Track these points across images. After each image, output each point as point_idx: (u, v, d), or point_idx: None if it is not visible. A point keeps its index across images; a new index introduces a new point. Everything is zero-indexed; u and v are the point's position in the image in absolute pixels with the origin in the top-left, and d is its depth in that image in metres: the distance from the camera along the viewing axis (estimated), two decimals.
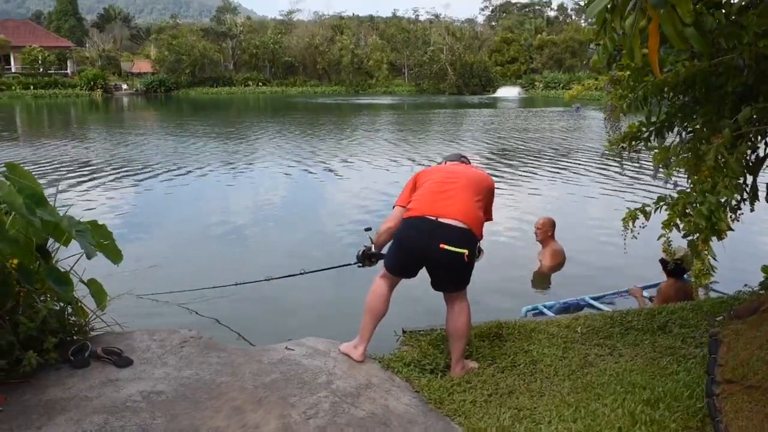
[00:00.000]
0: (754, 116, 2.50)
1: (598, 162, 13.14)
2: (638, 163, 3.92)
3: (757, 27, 2.11)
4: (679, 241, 2.83)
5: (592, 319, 3.83)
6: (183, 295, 4.99)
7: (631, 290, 4.99)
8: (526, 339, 3.47)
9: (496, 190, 3.32)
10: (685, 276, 4.55)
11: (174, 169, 12.54)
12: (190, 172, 12.34)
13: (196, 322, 4.49)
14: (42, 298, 2.97)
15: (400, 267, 3.10)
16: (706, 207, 2.30)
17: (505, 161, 14.01)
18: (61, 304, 3.16)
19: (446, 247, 2.87)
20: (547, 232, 6.15)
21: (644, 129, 3.08)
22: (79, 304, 3.24)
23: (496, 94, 54.96)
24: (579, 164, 13.32)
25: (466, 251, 2.88)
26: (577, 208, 9.33)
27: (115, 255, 3.24)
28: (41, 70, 49.22)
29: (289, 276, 4.61)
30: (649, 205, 2.85)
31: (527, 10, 75.92)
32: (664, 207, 2.71)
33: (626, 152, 3.29)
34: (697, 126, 2.87)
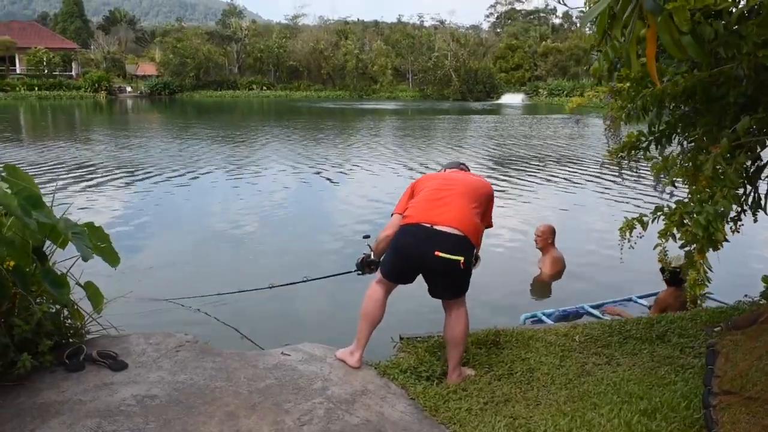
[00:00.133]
0: (753, 126, 2.49)
1: (601, 170, 13.11)
2: (636, 171, 3.91)
3: (756, 37, 2.10)
4: (678, 251, 2.81)
5: (591, 327, 3.81)
6: (183, 299, 5.00)
7: (607, 309, 4.77)
8: (524, 347, 3.45)
9: (497, 196, 3.31)
10: (684, 284, 4.53)
11: (176, 172, 12.55)
12: (192, 175, 12.35)
13: (196, 324, 4.48)
14: (38, 301, 2.96)
15: (397, 273, 3.09)
16: (703, 217, 2.29)
17: (508, 168, 14.00)
18: (57, 307, 3.15)
19: (441, 254, 2.86)
20: (547, 239, 6.13)
21: (643, 138, 3.07)
22: (76, 306, 3.23)
23: (500, 101, 54.94)
24: (581, 172, 13.29)
25: (461, 258, 2.87)
26: (578, 215, 9.30)
27: (112, 258, 3.22)
28: (46, 71, 49.49)
29: (292, 284, 4.64)
30: (647, 215, 2.84)
31: (532, 17, 76.32)
32: (662, 217, 2.69)
33: (625, 161, 3.27)
34: (698, 136, 2.86)
